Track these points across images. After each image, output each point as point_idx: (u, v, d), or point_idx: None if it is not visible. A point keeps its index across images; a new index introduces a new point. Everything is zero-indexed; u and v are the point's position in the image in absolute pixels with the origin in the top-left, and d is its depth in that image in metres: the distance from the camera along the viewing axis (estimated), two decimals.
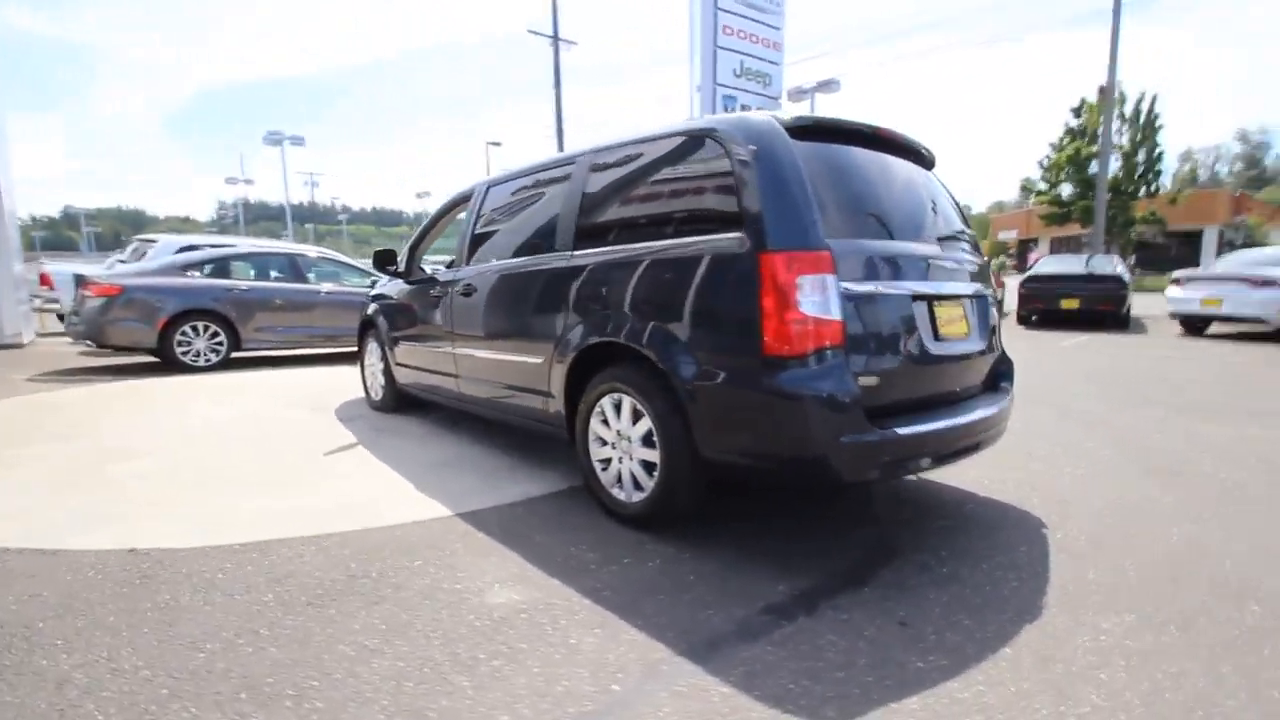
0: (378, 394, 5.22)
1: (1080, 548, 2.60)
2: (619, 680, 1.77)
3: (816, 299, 2.20)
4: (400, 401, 5.05)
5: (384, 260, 4.73)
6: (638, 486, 2.79)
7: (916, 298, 2.52)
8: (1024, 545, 2.63)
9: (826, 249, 2.24)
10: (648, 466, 2.73)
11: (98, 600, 2.18)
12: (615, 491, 2.89)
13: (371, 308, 5.23)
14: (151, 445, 4.13)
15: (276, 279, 8.23)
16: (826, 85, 20.52)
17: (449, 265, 5.19)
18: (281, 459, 3.83)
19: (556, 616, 2.10)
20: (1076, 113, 29.56)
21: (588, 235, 3.05)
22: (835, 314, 2.21)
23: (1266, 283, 9.58)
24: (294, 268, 8.30)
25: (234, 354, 7.68)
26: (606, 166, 3.07)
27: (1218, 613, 2.11)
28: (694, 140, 2.68)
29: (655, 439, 2.65)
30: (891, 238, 2.59)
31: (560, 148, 28.41)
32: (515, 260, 3.53)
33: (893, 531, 2.78)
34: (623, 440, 2.83)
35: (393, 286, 4.93)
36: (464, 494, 3.23)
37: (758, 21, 19.23)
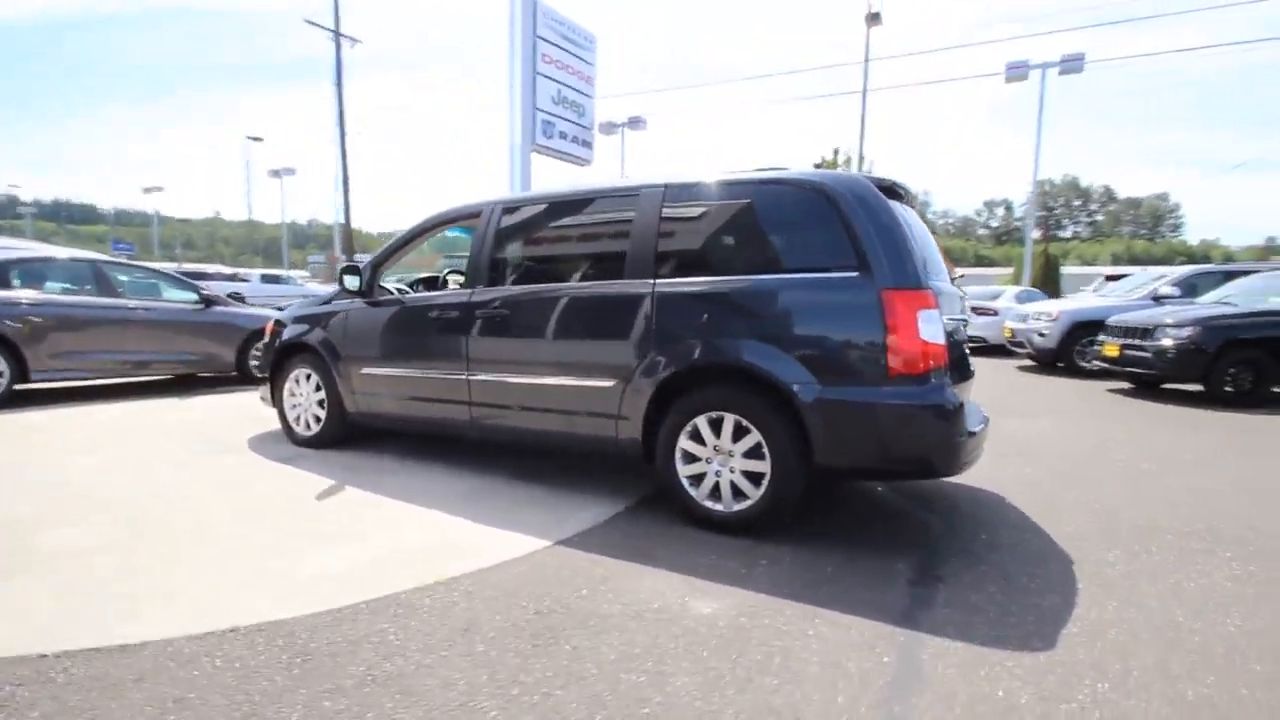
0: (309, 428, 4.58)
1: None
2: (885, 653, 2.07)
3: (930, 328, 2.73)
4: (344, 435, 4.51)
5: (350, 276, 4.23)
6: (738, 496, 3.05)
7: (956, 324, 3.21)
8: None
9: (930, 287, 2.80)
10: (752, 477, 3.01)
11: (276, 677, 1.83)
12: (709, 503, 3.11)
13: (297, 330, 4.59)
14: (76, 510, 3.21)
15: (75, 291, 6.53)
16: (635, 122, 22.08)
17: (437, 285, 4.84)
18: (270, 512, 3.26)
19: (772, 615, 2.30)
20: (817, 166, 35.56)
21: (669, 264, 3.24)
22: (942, 340, 2.77)
23: (983, 311, 12.84)
24: (99, 278, 6.65)
25: (18, 386, 5.92)
26: (685, 202, 3.29)
27: None
28: (799, 190, 3.06)
29: (764, 451, 2.95)
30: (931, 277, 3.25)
31: (342, 149, 26.12)
32: (570, 285, 3.53)
33: (929, 519, 3.43)
34: (720, 455, 3.07)
35: (337, 305, 4.41)
36: (538, 524, 3.15)
37: (573, 55, 19.93)
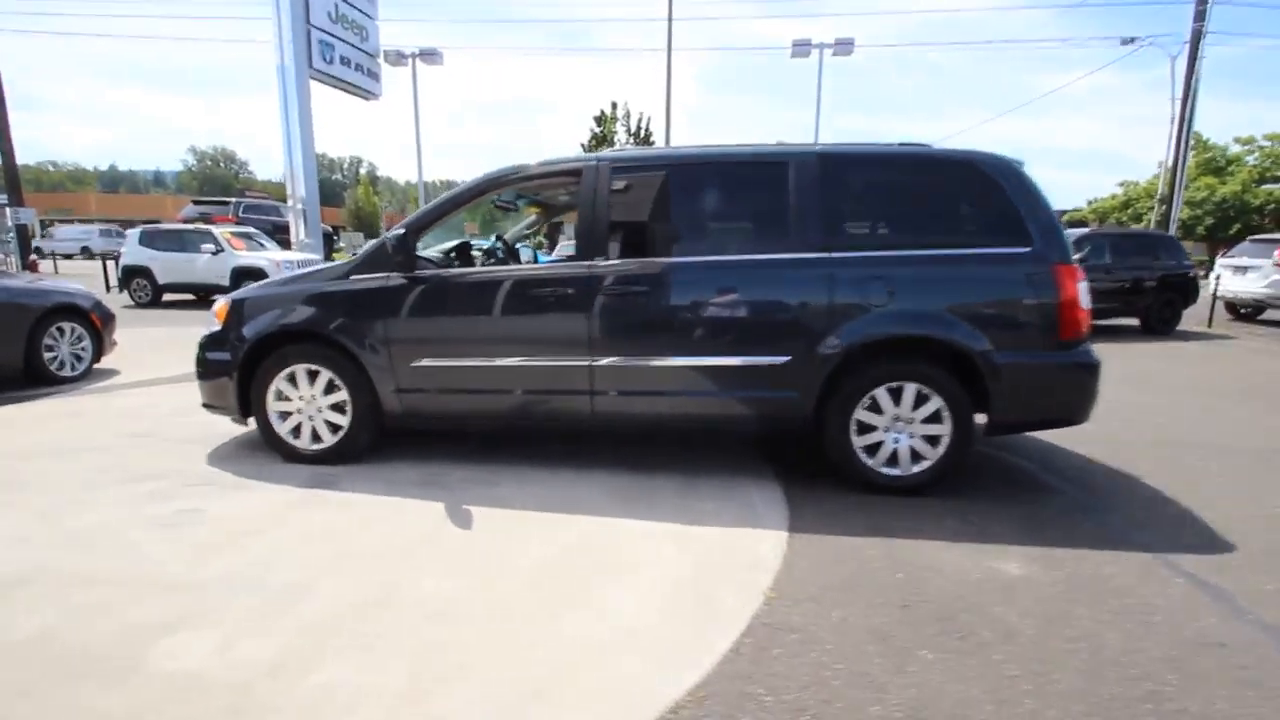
0: (318, 440, 3.56)
1: None
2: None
3: (1086, 298, 3.15)
4: (373, 444, 3.61)
5: (401, 246, 3.28)
6: (916, 460, 3.23)
7: None
8: None
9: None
10: (931, 440, 3.21)
11: None
12: (888, 469, 3.24)
13: (291, 315, 3.49)
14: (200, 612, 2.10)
15: None
16: (430, 55, 19.73)
17: (480, 254, 3.96)
18: (471, 574, 2.55)
19: (1075, 563, 2.57)
20: (599, 122, 35.91)
21: (839, 235, 3.18)
22: (1089, 307, 3.22)
23: None
24: None
25: None
26: (846, 173, 3.23)
27: None
28: (957, 166, 3.21)
29: (944, 415, 3.16)
30: None
31: None
32: (731, 256, 3.24)
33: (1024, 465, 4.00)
34: (899, 423, 3.21)
35: (362, 282, 3.44)
36: (740, 515, 2.98)
37: None
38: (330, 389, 3.52)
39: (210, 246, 12.94)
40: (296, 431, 3.58)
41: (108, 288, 14.56)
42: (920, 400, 3.18)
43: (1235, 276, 12.06)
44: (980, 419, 3.21)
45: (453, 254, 3.98)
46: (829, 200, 3.21)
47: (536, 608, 2.19)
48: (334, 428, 3.56)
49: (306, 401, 3.54)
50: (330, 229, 20.67)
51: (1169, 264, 10.50)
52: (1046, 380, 3.16)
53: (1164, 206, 19.43)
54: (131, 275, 13.26)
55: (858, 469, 3.25)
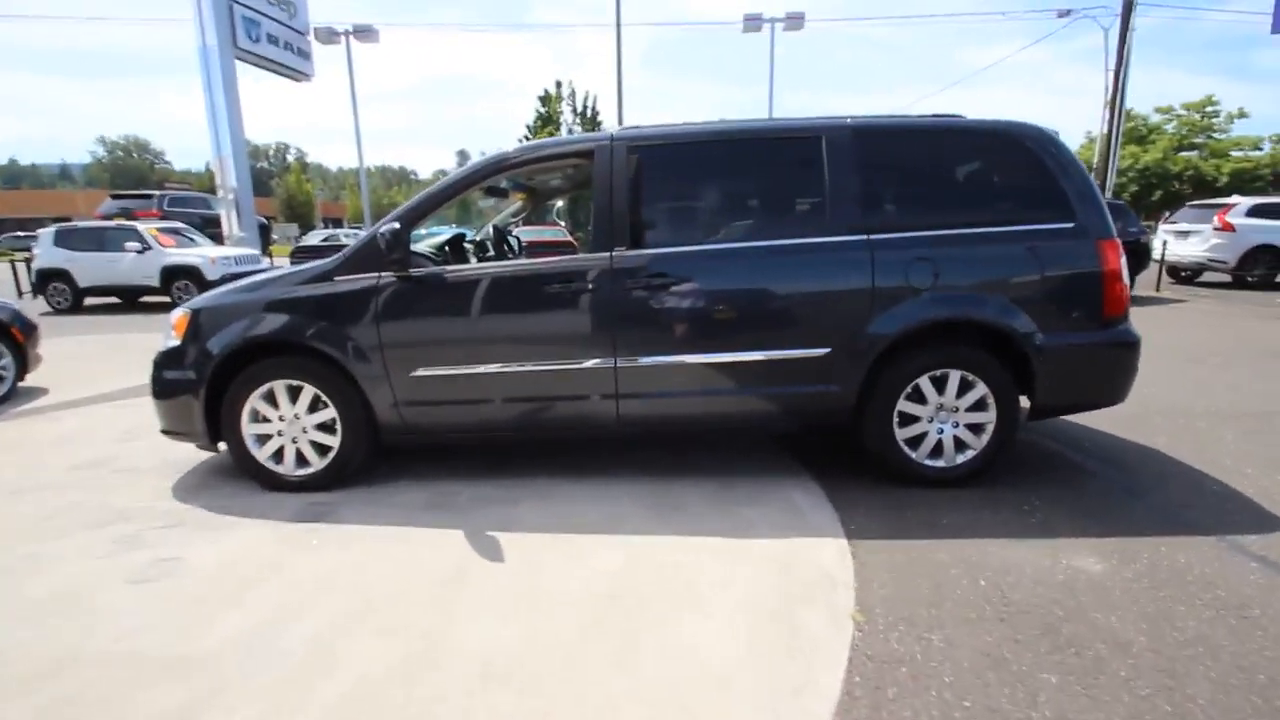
0: (303, 464, 3.16)
1: None
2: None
3: (1126, 274, 3.04)
4: (367, 463, 3.24)
5: (396, 242, 2.88)
6: (960, 449, 3.09)
7: None
8: None
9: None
10: (975, 429, 3.07)
11: None
12: (932, 462, 3.09)
13: (266, 324, 3.06)
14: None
15: None
16: (364, 32, 18.58)
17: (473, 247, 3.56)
18: (552, 634, 2.24)
19: (1150, 552, 2.45)
20: (544, 101, 34.95)
21: (876, 215, 2.96)
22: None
23: None
24: None
25: None
26: (881, 147, 3.01)
27: None
28: (993, 137, 3.03)
29: (989, 402, 3.02)
30: None
31: None
32: (762, 242, 2.97)
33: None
34: (942, 412, 3.05)
35: (347, 284, 3.04)
36: (786, 524, 2.77)
37: None
38: (315, 406, 3.12)
39: (135, 244, 11.87)
40: (278, 456, 3.17)
41: (19, 293, 13.27)
42: (964, 387, 3.02)
43: (1178, 241, 12.58)
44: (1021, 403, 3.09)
45: (446, 248, 3.59)
46: (866, 177, 2.98)
47: (604, 653, 1.92)
48: (322, 449, 3.17)
49: (288, 422, 3.13)
50: (265, 220, 19.41)
51: (1122, 230, 10.82)
52: (1092, 360, 3.04)
53: (1097, 176, 20.20)
54: (47, 279, 12.08)
55: (901, 463, 3.08)
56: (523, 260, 3.38)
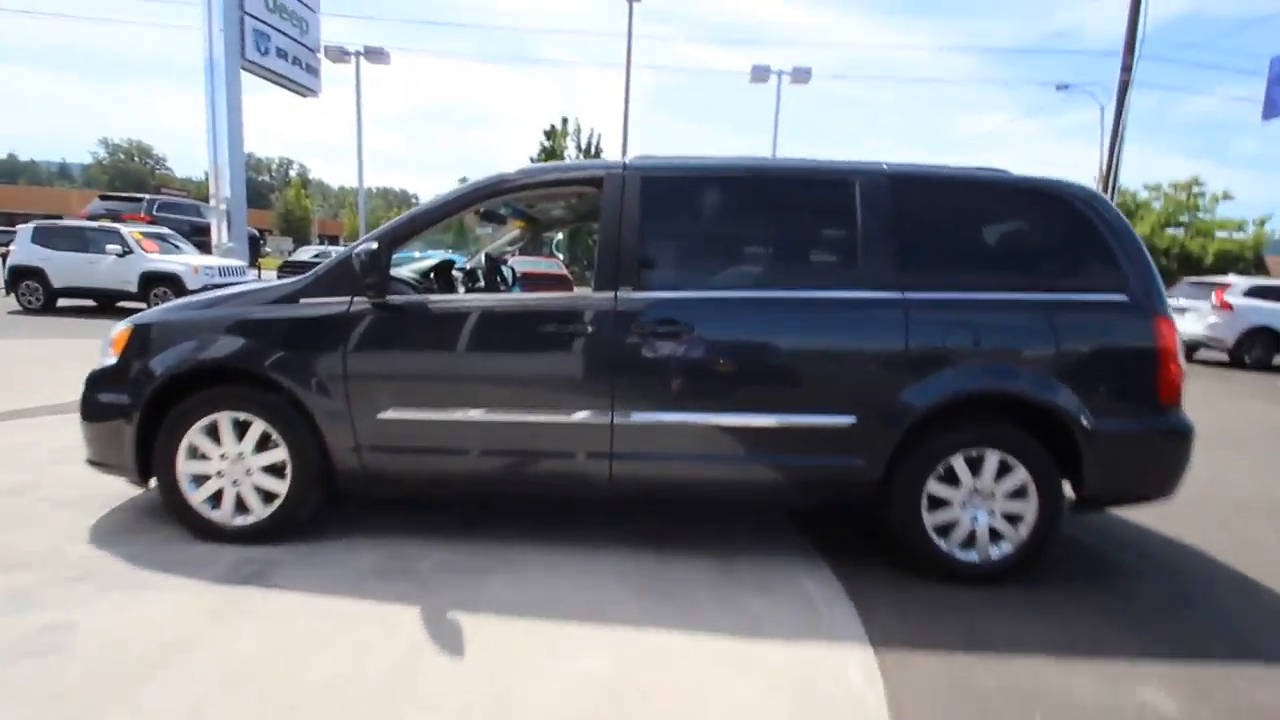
0: (245, 510, 2.74)
1: None
2: None
3: (1181, 354, 2.75)
4: (319, 514, 2.82)
5: (374, 264, 2.52)
6: (995, 541, 2.73)
7: None
8: None
9: None
10: (1012, 519, 2.72)
11: None
12: (962, 554, 2.72)
13: (217, 346, 2.67)
14: None
15: None
16: (375, 54, 18.60)
17: (490, 279, 3.23)
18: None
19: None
20: (548, 136, 35.32)
21: (912, 271, 2.66)
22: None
23: None
24: None
25: None
26: (921, 197, 2.73)
27: None
28: (1042, 195, 2.76)
29: (1031, 490, 2.67)
30: None
31: None
32: (784, 291, 2.65)
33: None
34: (977, 498, 2.70)
35: (314, 308, 2.67)
36: (815, 623, 2.38)
37: None
38: (264, 445, 2.72)
39: (116, 247, 11.45)
40: (216, 500, 2.75)
41: None
42: (1002, 471, 2.68)
43: (1175, 317, 12.51)
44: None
45: (432, 274, 3.25)
46: (902, 229, 2.69)
47: None
48: (267, 496, 2.75)
49: (231, 461, 2.72)
50: (257, 232, 19.07)
51: None
52: (1146, 449, 2.72)
53: None
54: (20, 277, 11.61)
55: (929, 552, 2.71)
56: (516, 295, 3.06)
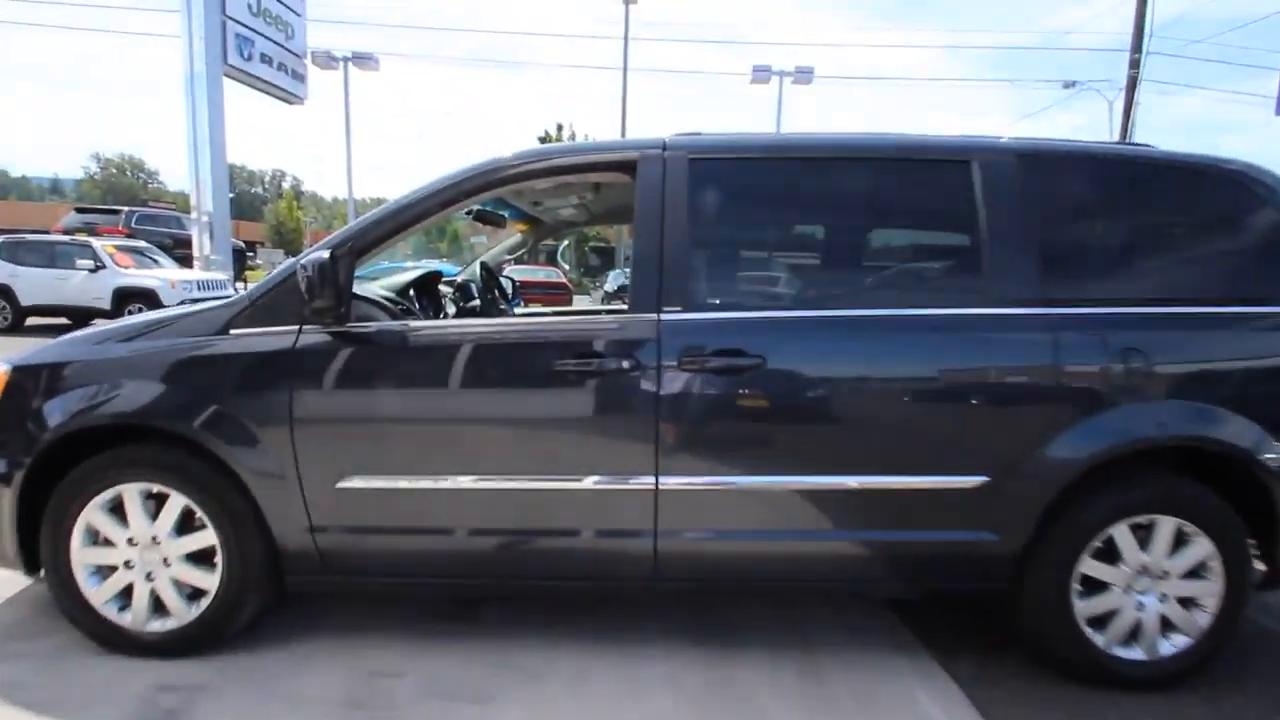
0: (160, 613, 2.04)
1: None
2: None
3: None
4: (256, 615, 2.12)
5: (326, 281, 1.83)
6: (1166, 633, 2.04)
7: None
8: None
9: None
10: (1186, 603, 2.03)
11: None
12: (1123, 652, 2.04)
13: (120, 398, 1.98)
14: None
15: None
16: (364, 59, 17.94)
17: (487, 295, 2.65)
18: None
19: None
20: (543, 142, 34.91)
21: (1053, 279, 1.98)
22: None
23: None
24: None
25: None
26: (1057, 182, 2.05)
27: None
28: (1215, 176, 2.09)
29: (1217, 566, 1.99)
30: None
31: None
32: (895, 311, 1.96)
33: None
34: (1144, 578, 2.02)
35: (252, 340, 1.98)
36: None
37: None
38: (187, 525, 2.02)
39: (88, 262, 10.76)
40: (125, 599, 2.05)
41: None
42: (1178, 543, 2.01)
43: None
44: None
45: (412, 291, 2.55)
46: (1039, 223, 2.01)
47: None
48: (193, 593, 2.05)
49: (143, 547, 2.02)
50: (243, 244, 18.36)
51: None
52: None
53: None
54: None
55: (1081, 651, 2.03)
56: (524, 320, 2.37)
